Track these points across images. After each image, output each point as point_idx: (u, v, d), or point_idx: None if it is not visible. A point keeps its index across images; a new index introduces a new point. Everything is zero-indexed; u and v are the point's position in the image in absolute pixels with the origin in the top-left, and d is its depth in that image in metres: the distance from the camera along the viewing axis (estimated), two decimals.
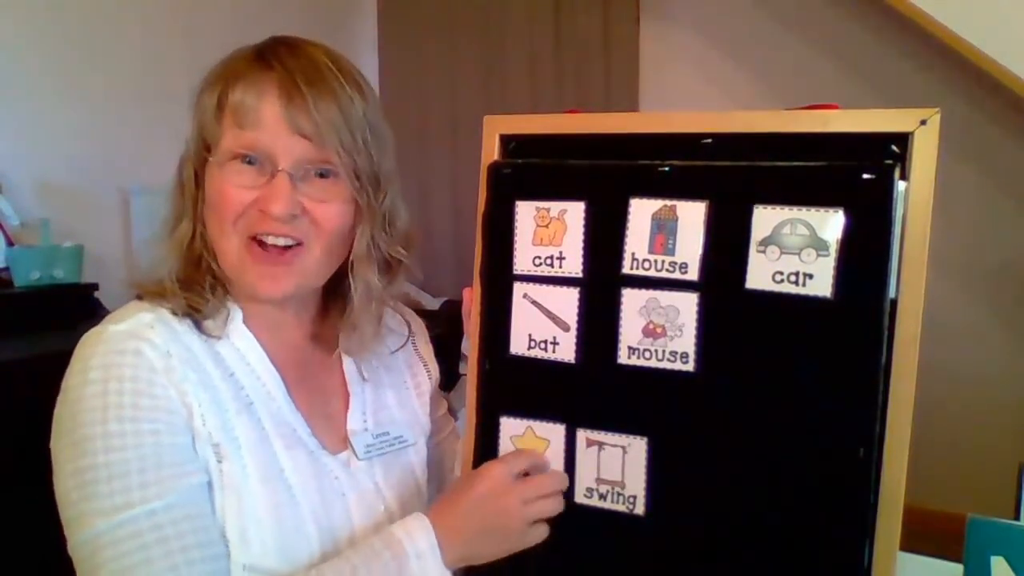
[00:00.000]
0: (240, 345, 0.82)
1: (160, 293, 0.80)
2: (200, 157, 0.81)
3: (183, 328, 0.79)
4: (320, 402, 0.87)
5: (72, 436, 0.71)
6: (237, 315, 0.83)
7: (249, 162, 0.78)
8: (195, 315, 0.80)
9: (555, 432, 0.81)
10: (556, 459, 0.81)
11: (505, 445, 0.83)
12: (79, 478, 0.70)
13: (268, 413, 0.81)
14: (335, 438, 0.86)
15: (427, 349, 1.03)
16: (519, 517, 0.78)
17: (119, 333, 0.76)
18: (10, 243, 2.17)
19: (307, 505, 0.79)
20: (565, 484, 0.80)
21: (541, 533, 0.79)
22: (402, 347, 0.99)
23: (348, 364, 0.92)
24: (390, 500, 0.87)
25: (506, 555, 0.79)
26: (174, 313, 0.79)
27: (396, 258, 0.88)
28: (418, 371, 1.00)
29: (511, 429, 0.83)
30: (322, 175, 0.80)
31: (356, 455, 0.86)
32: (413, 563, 0.74)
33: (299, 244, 0.80)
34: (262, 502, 0.75)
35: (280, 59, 0.79)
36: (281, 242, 0.79)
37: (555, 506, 0.79)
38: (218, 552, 0.72)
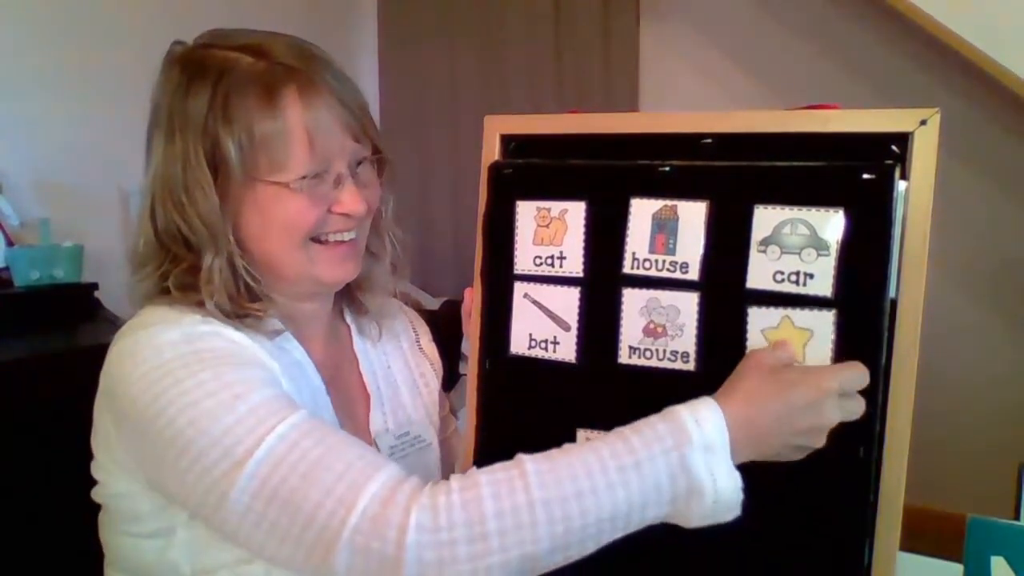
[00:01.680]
0: (285, 345, 0.82)
1: (195, 299, 0.77)
2: (242, 181, 0.76)
3: (233, 326, 0.77)
4: (346, 403, 0.88)
5: (170, 412, 0.67)
6: (285, 329, 0.83)
7: (316, 177, 0.78)
8: (243, 322, 0.78)
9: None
10: None
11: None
12: (199, 444, 0.66)
13: (318, 408, 0.81)
14: (361, 439, 0.86)
15: (431, 347, 1.04)
16: (823, 436, 0.66)
17: (182, 322, 0.73)
18: (10, 243, 2.16)
19: None
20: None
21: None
22: (408, 342, 1.00)
23: (365, 363, 0.93)
24: None
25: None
26: (221, 310, 0.77)
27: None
28: (425, 369, 1.01)
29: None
30: (361, 163, 0.83)
31: None
32: (698, 455, 0.63)
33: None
34: None
35: (303, 61, 0.79)
36: (352, 236, 0.82)
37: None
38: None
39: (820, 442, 0.66)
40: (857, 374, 0.66)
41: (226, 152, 0.75)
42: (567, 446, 0.66)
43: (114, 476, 0.78)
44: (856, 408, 0.67)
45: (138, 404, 0.69)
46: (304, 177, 0.76)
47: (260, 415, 0.66)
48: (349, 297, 0.94)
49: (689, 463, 0.62)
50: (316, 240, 0.80)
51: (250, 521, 0.64)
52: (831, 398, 0.65)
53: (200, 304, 0.76)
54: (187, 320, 0.74)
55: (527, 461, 0.64)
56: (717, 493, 0.63)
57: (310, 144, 0.76)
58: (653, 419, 0.65)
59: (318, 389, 0.83)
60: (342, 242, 0.82)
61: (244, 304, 0.78)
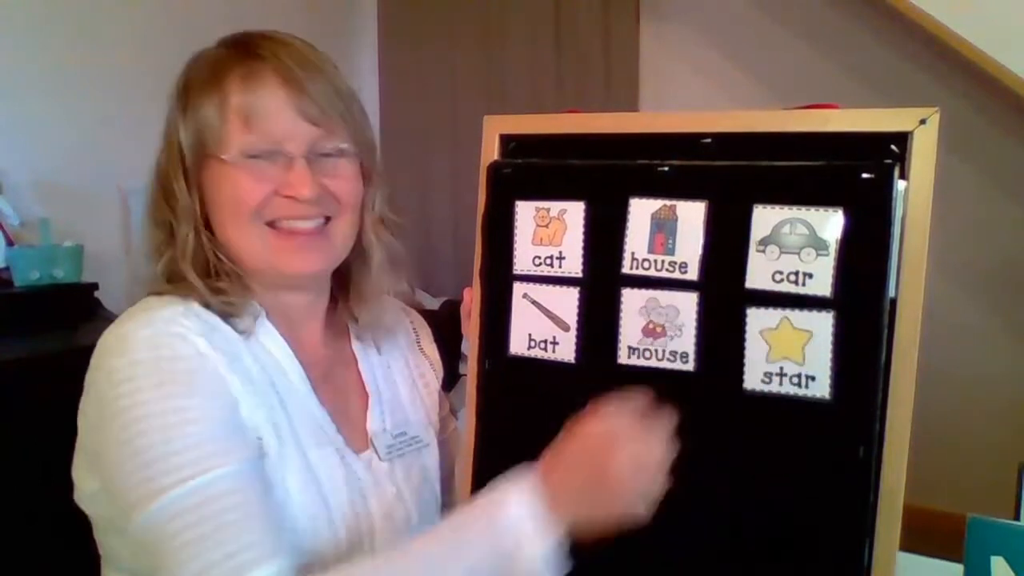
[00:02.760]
0: (266, 342, 0.82)
1: (184, 290, 0.78)
2: (197, 161, 0.80)
3: (214, 321, 0.77)
4: (341, 401, 0.88)
5: (127, 416, 0.69)
6: (262, 312, 0.83)
7: (263, 157, 0.78)
8: (226, 309, 0.79)
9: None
10: None
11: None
12: (141, 457, 0.68)
13: (298, 411, 0.81)
14: (357, 438, 0.86)
15: (431, 348, 1.04)
16: (625, 481, 0.67)
17: (157, 318, 0.74)
18: (10, 243, 2.16)
19: (336, 505, 0.79)
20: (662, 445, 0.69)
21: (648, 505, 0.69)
22: (407, 343, 1.00)
23: (364, 362, 0.92)
24: (409, 503, 0.87)
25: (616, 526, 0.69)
26: (205, 305, 0.78)
27: (391, 219, 0.91)
28: (425, 370, 1.01)
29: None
30: (332, 155, 0.82)
31: (378, 455, 0.86)
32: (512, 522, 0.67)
33: (327, 220, 0.82)
34: (296, 500, 0.75)
35: (266, 49, 0.80)
36: (310, 224, 0.81)
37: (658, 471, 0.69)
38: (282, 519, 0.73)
39: (625, 487, 0.68)
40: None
41: (183, 136, 0.80)
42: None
43: (89, 475, 0.79)
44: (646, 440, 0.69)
45: (103, 400, 0.72)
46: (247, 155, 0.78)
47: (201, 453, 0.68)
48: (344, 297, 0.93)
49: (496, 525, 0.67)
50: (271, 226, 0.80)
51: (157, 534, 0.68)
52: (608, 435, 0.69)
53: (186, 296, 0.77)
54: (166, 313, 0.75)
55: (369, 560, 0.72)
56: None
57: (245, 120, 0.78)
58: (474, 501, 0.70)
59: (300, 384, 0.82)
60: (299, 231, 0.81)
61: (217, 284, 0.79)
